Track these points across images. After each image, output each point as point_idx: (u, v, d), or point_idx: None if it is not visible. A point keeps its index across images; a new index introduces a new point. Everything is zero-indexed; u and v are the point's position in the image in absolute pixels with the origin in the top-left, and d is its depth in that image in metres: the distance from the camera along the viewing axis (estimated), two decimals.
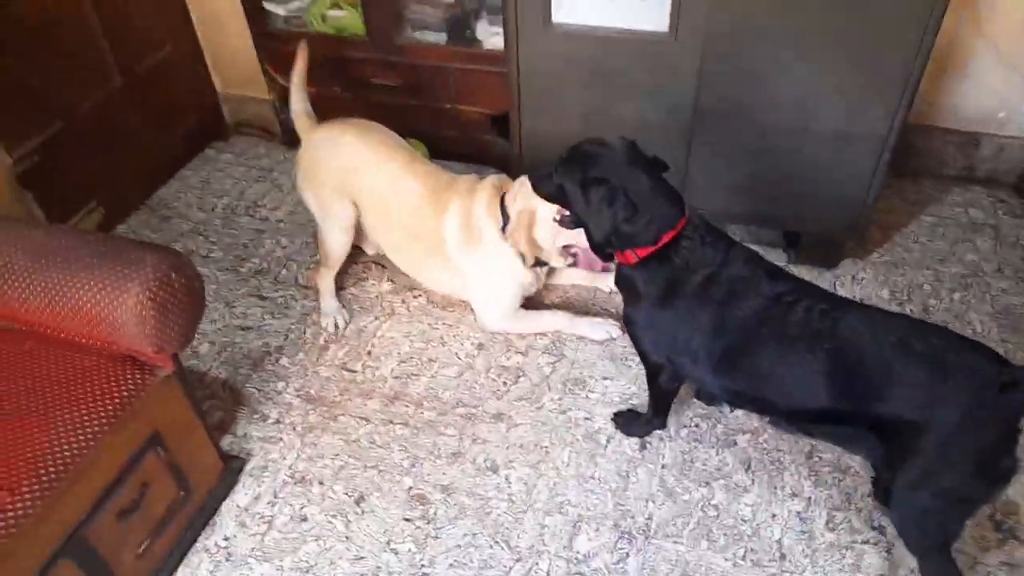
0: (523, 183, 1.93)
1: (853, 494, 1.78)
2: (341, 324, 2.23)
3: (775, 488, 1.80)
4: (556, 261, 2.06)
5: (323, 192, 2.14)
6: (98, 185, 2.60)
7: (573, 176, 1.59)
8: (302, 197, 2.23)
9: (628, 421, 1.92)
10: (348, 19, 2.68)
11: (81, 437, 1.43)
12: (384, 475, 1.85)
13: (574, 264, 2.09)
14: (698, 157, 2.23)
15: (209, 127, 3.09)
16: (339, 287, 2.34)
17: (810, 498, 1.78)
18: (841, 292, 2.29)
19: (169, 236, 2.60)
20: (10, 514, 1.29)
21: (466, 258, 2.09)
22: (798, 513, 1.75)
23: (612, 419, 1.94)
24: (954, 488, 1.36)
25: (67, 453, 1.40)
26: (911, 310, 2.23)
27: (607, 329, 2.15)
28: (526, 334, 2.17)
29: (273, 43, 2.81)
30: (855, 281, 2.33)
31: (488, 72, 2.55)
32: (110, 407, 1.48)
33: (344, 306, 2.28)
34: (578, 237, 1.83)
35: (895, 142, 2.06)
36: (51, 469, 1.37)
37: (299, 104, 2.20)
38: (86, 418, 1.45)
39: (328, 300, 2.26)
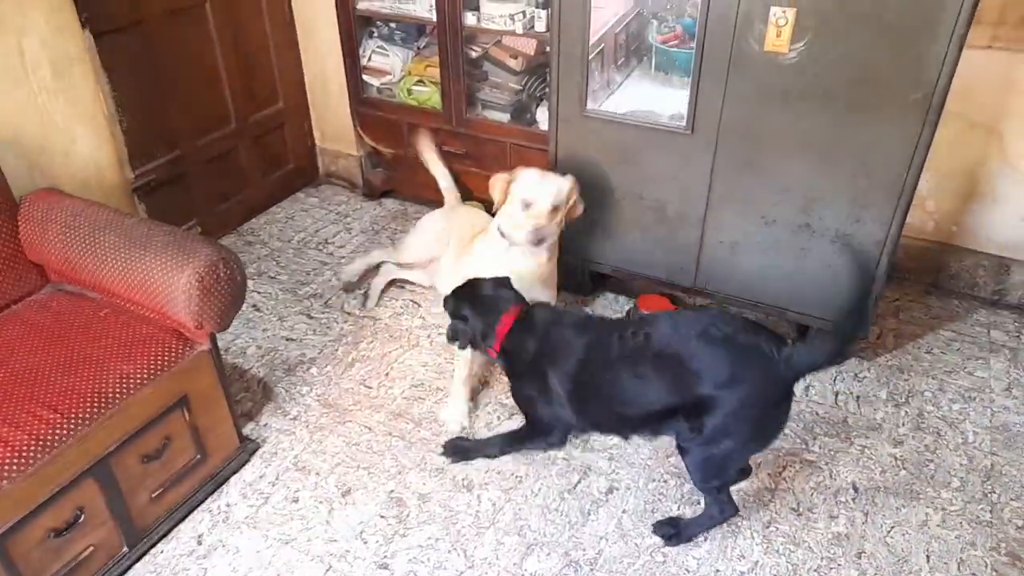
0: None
1: (800, 566, 1.84)
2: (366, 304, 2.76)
3: (726, 548, 1.88)
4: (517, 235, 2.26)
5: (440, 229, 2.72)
6: (201, 208, 3.07)
7: (452, 306, 2.09)
8: (423, 222, 2.80)
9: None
10: (428, 94, 3.10)
11: (125, 386, 1.75)
12: (373, 477, 2.07)
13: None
14: (710, 242, 2.42)
15: (304, 173, 3.56)
16: (377, 318, 2.66)
17: (757, 562, 1.85)
18: (839, 386, 2.38)
19: (248, 258, 3.00)
20: (55, 430, 1.61)
21: (477, 261, 2.44)
22: (741, 573, 1.82)
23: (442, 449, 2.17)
24: (735, 445, 1.73)
25: (110, 395, 1.72)
26: (906, 412, 2.28)
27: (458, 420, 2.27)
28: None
29: (365, 108, 3.26)
30: (856, 378, 2.41)
31: (540, 149, 2.86)
32: (153, 366, 1.80)
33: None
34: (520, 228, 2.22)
35: (892, 249, 2.18)
36: (95, 404, 1.68)
37: (444, 181, 2.93)
38: (132, 371, 1.77)
39: (359, 264, 2.82)
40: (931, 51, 1.87)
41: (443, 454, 2.14)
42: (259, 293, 2.81)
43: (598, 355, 1.84)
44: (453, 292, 2.10)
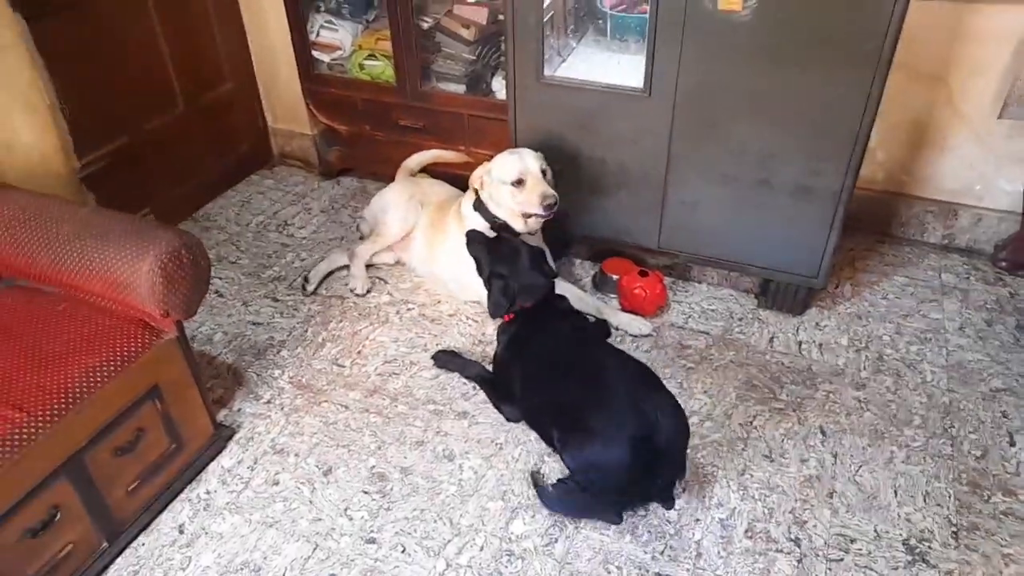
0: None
1: (776, 510, 1.90)
2: (361, 289, 2.66)
3: (704, 497, 1.94)
4: (516, 223, 2.41)
5: (408, 198, 2.75)
6: (153, 195, 2.98)
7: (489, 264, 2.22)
8: (389, 197, 2.77)
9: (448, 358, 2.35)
10: (381, 68, 3.05)
11: (91, 379, 1.71)
12: (353, 454, 2.07)
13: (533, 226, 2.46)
14: (672, 202, 2.45)
15: (257, 155, 3.48)
16: (344, 297, 2.64)
17: (735, 509, 1.91)
18: (802, 336, 2.45)
19: (206, 243, 2.88)
20: (22, 429, 1.56)
21: (456, 241, 2.50)
22: (721, 520, 1.88)
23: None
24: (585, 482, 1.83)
25: (77, 390, 1.67)
26: (866, 356, 2.36)
27: (640, 326, 2.49)
28: None
29: (317, 86, 3.20)
30: (817, 327, 2.48)
31: (498, 119, 2.84)
32: (119, 358, 1.76)
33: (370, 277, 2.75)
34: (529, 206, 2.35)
35: (848, 199, 2.24)
36: (61, 400, 1.64)
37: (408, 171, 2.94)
38: (98, 364, 1.73)
39: (360, 266, 2.71)
40: (881, 0, 1.91)
41: (432, 357, 2.36)
42: (221, 279, 2.75)
43: (558, 347, 2.06)
44: (492, 249, 2.20)
